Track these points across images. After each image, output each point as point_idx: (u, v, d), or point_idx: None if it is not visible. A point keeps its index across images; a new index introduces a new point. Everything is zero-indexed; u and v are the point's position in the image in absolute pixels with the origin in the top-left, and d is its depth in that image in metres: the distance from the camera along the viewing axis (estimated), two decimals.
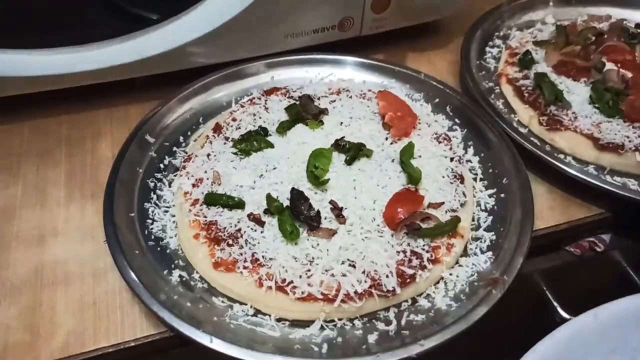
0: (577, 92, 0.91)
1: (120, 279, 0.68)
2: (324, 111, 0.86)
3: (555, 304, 0.87)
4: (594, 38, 0.99)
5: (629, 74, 0.92)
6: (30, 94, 0.87)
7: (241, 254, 0.67)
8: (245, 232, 0.70)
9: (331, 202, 0.73)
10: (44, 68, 0.85)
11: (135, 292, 0.64)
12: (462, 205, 0.75)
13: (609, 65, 0.94)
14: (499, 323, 0.91)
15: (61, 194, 0.81)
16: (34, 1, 0.83)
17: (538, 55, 0.99)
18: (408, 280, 0.66)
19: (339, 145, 0.80)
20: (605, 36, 1.00)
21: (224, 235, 0.69)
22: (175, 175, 0.80)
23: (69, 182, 0.83)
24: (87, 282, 0.71)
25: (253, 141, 0.80)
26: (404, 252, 0.68)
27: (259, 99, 0.89)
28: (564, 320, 0.85)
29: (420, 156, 0.81)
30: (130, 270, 0.66)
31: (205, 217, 0.71)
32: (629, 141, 0.83)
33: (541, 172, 0.85)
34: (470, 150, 0.85)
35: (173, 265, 0.70)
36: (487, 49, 1.06)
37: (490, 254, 0.72)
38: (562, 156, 0.85)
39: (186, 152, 0.84)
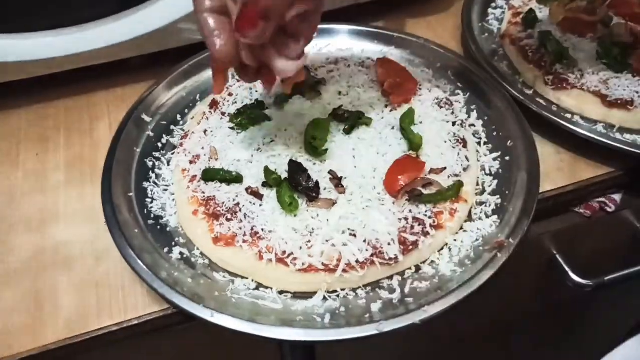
0: (583, 48, 0.88)
1: (121, 259, 0.67)
2: (322, 81, 0.84)
3: (566, 267, 0.86)
4: None
5: (639, 27, 0.88)
6: (26, 80, 0.87)
7: (240, 228, 0.67)
8: (244, 206, 0.69)
9: (330, 172, 0.71)
10: (37, 52, 0.84)
11: (136, 271, 0.64)
12: (465, 169, 0.73)
13: (617, 19, 0.91)
14: (509, 290, 0.91)
15: (61, 178, 0.81)
16: None
17: (542, 14, 0.95)
18: (410, 247, 0.65)
19: (338, 114, 0.78)
20: None
21: (223, 210, 0.68)
22: (173, 154, 0.79)
23: (68, 165, 0.82)
24: (88, 263, 0.71)
25: (250, 115, 0.79)
26: (406, 219, 0.67)
27: None
28: (577, 285, 0.84)
29: (421, 122, 0.79)
30: (131, 249, 0.65)
31: (203, 193, 0.71)
32: (639, 96, 0.80)
33: (548, 133, 0.82)
34: (474, 114, 0.83)
35: (173, 243, 0.70)
36: (490, 10, 1.03)
37: (495, 217, 0.70)
38: (569, 116, 0.82)
39: (183, 130, 0.83)
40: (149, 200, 0.74)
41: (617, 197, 0.82)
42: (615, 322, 1.17)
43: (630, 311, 1.17)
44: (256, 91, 0.84)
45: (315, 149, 0.73)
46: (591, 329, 1.20)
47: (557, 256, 0.86)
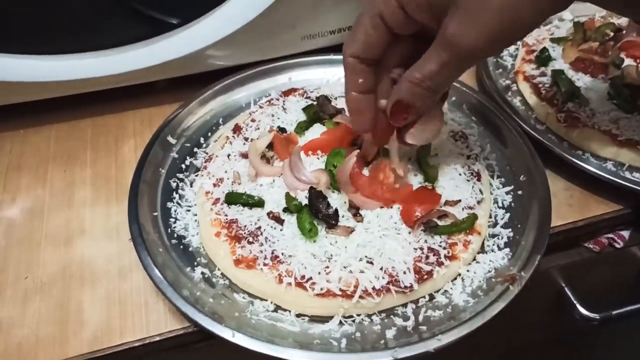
0: (595, 88, 0.91)
1: (144, 276, 0.70)
2: (341, 111, 0.87)
3: (574, 301, 0.87)
4: (612, 34, 0.99)
5: None
6: (56, 99, 0.91)
7: (261, 252, 0.69)
8: (265, 230, 0.71)
9: (349, 200, 0.74)
10: (68, 73, 0.88)
11: (160, 288, 0.66)
12: (478, 202, 0.75)
13: (628, 61, 0.94)
14: (518, 321, 0.92)
15: (87, 195, 0.84)
16: (59, 9, 0.86)
17: (555, 52, 0.99)
18: (425, 276, 0.67)
19: (356, 144, 0.81)
20: (624, 32, 0.99)
21: (245, 233, 0.71)
22: (196, 176, 0.82)
23: (94, 183, 0.85)
24: (112, 279, 0.73)
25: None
26: (421, 248, 0.69)
27: (277, 99, 0.91)
28: (584, 318, 0.86)
29: (436, 154, 0.81)
30: (155, 267, 0.68)
31: (226, 215, 0.73)
32: None
33: (559, 169, 0.85)
34: (487, 148, 0.86)
35: (195, 263, 0.72)
36: None
37: (507, 250, 0.72)
38: (580, 153, 0.85)
39: (207, 153, 0.86)
40: (172, 220, 0.77)
41: (625, 233, 0.84)
42: (619, 358, 1.18)
43: (635, 347, 1.18)
44: (278, 118, 0.87)
45: (335, 177, 0.75)
46: None
47: (566, 289, 0.88)
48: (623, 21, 1.03)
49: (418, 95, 0.62)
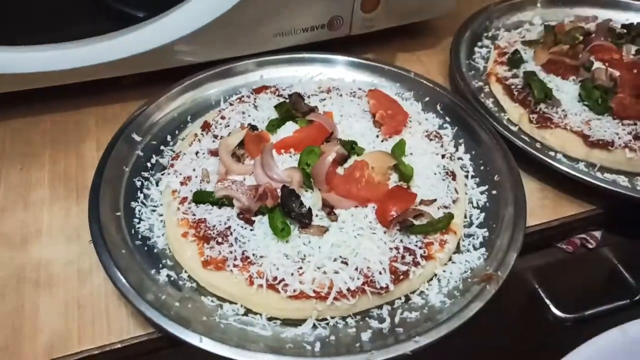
0: (566, 90, 0.91)
1: (106, 280, 0.66)
2: (314, 109, 0.85)
3: (547, 301, 0.87)
4: (581, 38, 1.00)
5: (617, 73, 0.92)
6: (12, 93, 0.85)
7: (231, 252, 0.66)
8: (235, 230, 0.68)
9: (322, 199, 0.71)
10: (27, 66, 0.83)
11: (122, 292, 0.62)
12: (454, 201, 0.74)
13: (597, 64, 0.95)
14: (491, 323, 0.91)
15: (45, 195, 0.79)
16: None
17: (527, 55, 0.99)
18: (401, 276, 0.65)
19: (329, 142, 0.79)
20: (593, 36, 1.00)
21: (213, 233, 0.68)
22: (162, 174, 0.79)
23: (53, 182, 0.81)
24: (71, 283, 0.69)
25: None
26: (397, 248, 0.68)
27: (248, 97, 0.88)
28: (557, 319, 0.85)
29: (411, 154, 0.80)
30: (117, 269, 0.64)
31: (194, 215, 0.70)
32: (619, 138, 0.83)
33: (532, 169, 0.85)
34: (461, 148, 0.85)
35: (161, 265, 0.68)
36: (476, 49, 1.06)
37: (483, 250, 0.71)
38: (552, 153, 0.85)
39: (174, 151, 0.82)
40: (136, 220, 0.73)
41: (597, 234, 0.84)
42: None
43: None
44: (249, 116, 0.85)
45: (308, 175, 0.73)
46: None
47: (539, 290, 0.88)
48: (592, 25, 1.05)
49: None
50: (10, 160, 0.83)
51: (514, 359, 1.08)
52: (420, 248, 0.68)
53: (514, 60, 0.97)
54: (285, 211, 0.69)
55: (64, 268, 0.70)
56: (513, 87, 0.93)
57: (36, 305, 0.66)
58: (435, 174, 0.77)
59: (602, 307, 0.86)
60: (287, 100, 0.85)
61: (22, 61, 0.82)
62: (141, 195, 0.76)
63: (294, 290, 0.63)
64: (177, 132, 0.86)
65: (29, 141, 0.87)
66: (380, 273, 0.65)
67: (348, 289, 0.63)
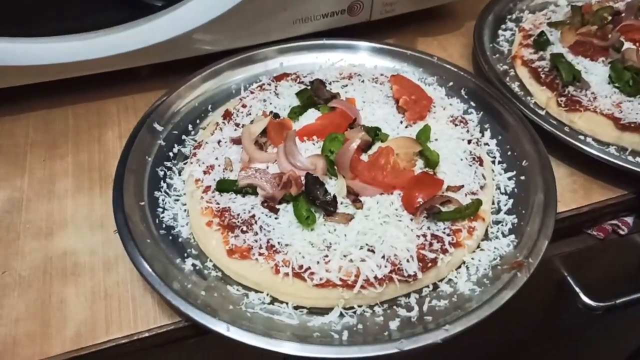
0: (595, 72, 0.89)
1: (131, 269, 0.66)
2: (336, 95, 0.84)
3: (577, 289, 0.85)
4: (610, 17, 0.97)
5: None
6: (34, 85, 0.86)
7: (256, 241, 0.65)
8: (259, 218, 0.68)
9: (347, 187, 0.70)
10: (47, 57, 0.83)
11: (148, 281, 0.62)
12: (481, 187, 0.73)
13: (627, 44, 0.92)
14: (518, 311, 0.90)
15: (69, 185, 0.79)
16: None
17: (553, 37, 0.97)
18: (429, 264, 0.64)
19: (353, 128, 0.77)
20: (622, 15, 0.97)
21: (238, 222, 0.67)
22: (184, 164, 0.78)
23: (76, 172, 0.81)
24: (97, 272, 0.69)
25: None
26: (424, 235, 0.66)
27: (269, 84, 0.87)
28: (587, 307, 0.83)
29: (436, 139, 0.79)
30: (143, 259, 0.64)
31: (217, 204, 0.70)
32: None
33: (561, 154, 0.82)
34: (487, 133, 0.83)
35: (186, 254, 0.68)
36: (500, 32, 1.04)
37: (512, 237, 0.69)
38: (582, 137, 0.82)
39: (195, 140, 0.82)
40: (160, 209, 0.73)
41: (629, 219, 0.82)
42: (618, 344, 1.17)
43: (634, 334, 1.17)
44: (270, 103, 0.84)
45: (332, 163, 0.72)
46: (594, 349, 1.20)
47: (568, 278, 0.86)
48: (621, 5, 1.01)
49: None
50: (33, 151, 0.84)
51: (543, 347, 1.06)
52: (448, 235, 0.67)
53: (540, 43, 0.95)
54: (309, 199, 0.68)
55: (89, 258, 0.70)
56: (540, 69, 0.91)
57: (63, 295, 0.67)
58: (461, 159, 0.76)
59: (634, 296, 0.84)
60: (309, 87, 0.84)
61: (41, 53, 0.82)
62: (164, 185, 0.75)
63: (321, 279, 0.62)
64: (198, 121, 0.85)
65: (52, 132, 0.87)
66: (407, 261, 0.64)
67: (375, 277, 0.62)
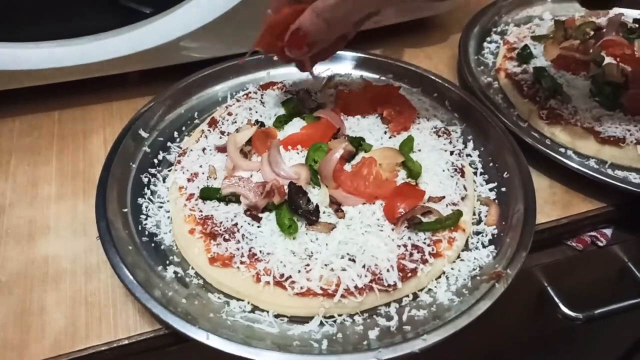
0: (576, 86, 0.90)
1: (113, 276, 0.66)
2: (322, 105, 0.84)
3: (557, 300, 0.86)
4: (592, 32, 0.99)
5: (629, 68, 0.91)
6: (20, 89, 0.86)
7: (238, 249, 0.66)
8: (242, 226, 0.68)
9: (330, 196, 0.71)
10: (34, 62, 0.83)
11: (129, 289, 0.62)
12: (462, 199, 0.74)
13: (608, 59, 0.94)
14: (499, 321, 0.91)
15: (52, 190, 0.79)
16: None
17: (536, 50, 0.98)
18: (409, 274, 0.65)
19: (337, 138, 0.78)
20: (604, 30, 0.99)
21: (220, 230, 0.68)
22: (169, 171, 0.79)
23: (60, 177, 0.81)
24: (78, 279, 0.69)
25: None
26: (405, 246, 0.67)
27: (255, 93, 0.88)
28: (567, 317, 0.84)
29: (419, 150, 0.79)
30: (124, 266, 0.64)
31: (201, 211, 0.70)
32: (630, 134, 0.82)
33: (542, 166, 0.84)
34: (470, 145, 0.84)
35: (168, 262, 0.68)
36: (485, 44, 1.05)
37: (492, 248, 0.70)
38: (562, 150, 0.84)
39: (180, 147, 0.82)
40: (143, 216, 0.73)
41: (608, 231, 0.83)
42: (598, 354, 1.18)
43: (614, 343, 1.19)
44: (256, 112, 0.84)
45: (316, 172, 0.73)
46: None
47: (548, 288, 0.87)
48: (603, 20, 1.04)
49: (315, 25, 0.65)
50: (17, 156, 0.84)
51: (523, 357, 1.07)
52: (428, 245, 0.67)
53: (524, 56, 0.96)
54: (292, 208, 0.68)
55: (71, 264, 0.70)
56: (523, 82, 0.92)
57: (43, 301, 0.66)
58: (443, 170, 0.76)
59: (613, 306, 0.85)
60: (295, 97, 0.85)
61: (28, 58, 0.82)
62: (148, 192, 0.76)
63: (301, 288, 0.63)
64: (183, 128, 0.85)
65: (37, 137, 0.87)
66: (388, 270, 0.64)
67: (355, 287, 0.63)
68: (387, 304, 0.65)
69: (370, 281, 0.63)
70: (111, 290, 0.68)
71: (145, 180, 0.77)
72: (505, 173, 0.79)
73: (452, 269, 0.68)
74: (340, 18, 0.65)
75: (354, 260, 0.65)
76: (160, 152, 0.81)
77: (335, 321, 0.63)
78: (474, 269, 0.68)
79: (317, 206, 0.69)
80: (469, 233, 0.72)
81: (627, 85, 0.88)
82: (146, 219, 0.72)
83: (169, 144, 0.82)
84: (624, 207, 0.81)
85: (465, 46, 1.01)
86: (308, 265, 0.64)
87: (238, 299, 0.65)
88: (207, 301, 0.65)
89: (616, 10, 1.06)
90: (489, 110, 0.87)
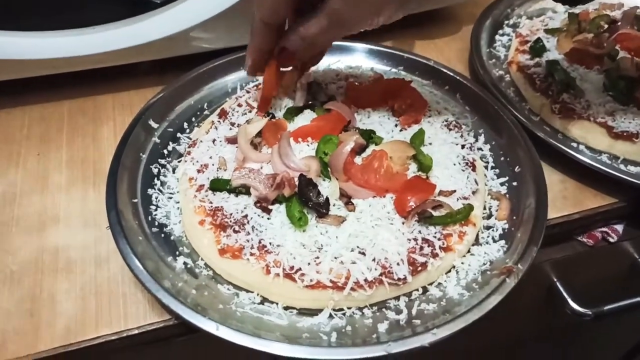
0: (590, 80, 0.89)
1: (123, 266, 0.66)
2: (333, 98, 0.84)
3: (566, 295, 0.86)
4: (606, 26, 0.98)
5: None
6: (31, 78, 0.86)
7: (247, 241, 0.66)
8: (252, 218, 0.68)
9: (340, 189, 0.71)
10: (45, 52, 0.83)
11: (139, 279, 0.62)
12: (473, 193, 0.73)
13: (623, 53, 0.93)
14: (507, 316, 0.90)
15: (62, 180, 0.79)
16: None
17: (549, 43, 0.97)
18: (419, 268, 0.64)
19: (348, 130, 0.78)
20: (619, 24, 0.98)
21: (230, 221, 0.68)
22: (179, 162, 0.79)
23: (70, 167, 0.81)
24: (88, 268, 0.69)
25: None
26: (415, 239, 0.67)
27: None
28: (576, 313, 0.84)
29: (430, 143, 0.79)
30: (134, 256, 0.64)
31: (210, 203, 0.70)
32: None
33: (554, 160, 0.83)
34: (481, 138, 0.84)
35: (177, 252, 0.68)
36: (497, 37, 1.04)
37: (502, 242, 0.70)
38: (575, 145, 0.83)
39: (190, 138, 0.82)
40: (153, 207, 0.73)
41: (619, 227, 0.83)
42: (606, 350, 1.18)
43: (622, 340, 1.18)
44: None
45: (326, 165, 0.72)
46: (583, 355, 1.20)
47: (557, 283, 0.86)
48: (617, 13, 1.02)
49: (300, 47, 0.71)
50: (28, 145, 0.84)
51: (532, 352, 1.07)
52: (438, 239, 0.67)
53: (536, 49, 0.95)
54: (302, 200, 0.68)
55: (81, 254, 0.70)
56: (535, 76, 0.91)
57: (53, 291, 0.67)
58: (454, 164, 0.76)
59: (622, 302, 0.85)
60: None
61: (38, 47, 0.82)
62: (158, 183, 0.76)
63: (311, 280, 0.62)
64: (193, 119, 0.85)
65: (47, 127, 0.87)
66: (398, 264, 0.64)
67: (365, 280, 0.63)
68: (397, 298, 0.65)
69: (380, 274, 0.63)
70: (121, 280, 0.68)
71: (155, 170, 0.77)
72: (517, 167, 0.78)
73: (462, 263, 0.68)
74: (322, 41, 0.72)
75: (364, 254, 0.65)
76: (170, 142, 0.81)
77: (344, 314, 0.63)
78: (484, 264, 0.68)
79: (327, 199, 0.69)
80: (480, 227, 0.72)
81: None
82: (156, 210, 0.72)
83: (178, 134, 0.82)
84: (635, 203, 0.80)
85: (477, 39, 1.00)
86: (318, 257, 0.64)
87: (247, 291, 0.65)
88: (216, 292, 0.65)
89: (631, 3, 1.05)
90: (500, 104, 0.86)
